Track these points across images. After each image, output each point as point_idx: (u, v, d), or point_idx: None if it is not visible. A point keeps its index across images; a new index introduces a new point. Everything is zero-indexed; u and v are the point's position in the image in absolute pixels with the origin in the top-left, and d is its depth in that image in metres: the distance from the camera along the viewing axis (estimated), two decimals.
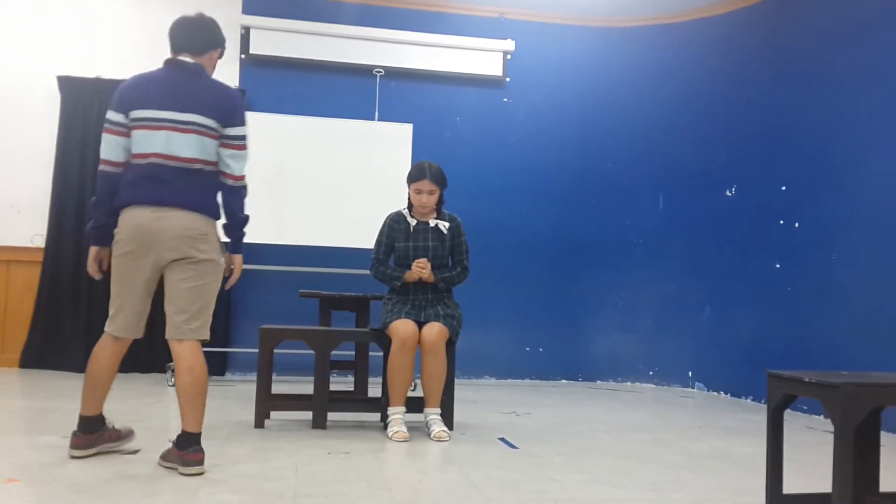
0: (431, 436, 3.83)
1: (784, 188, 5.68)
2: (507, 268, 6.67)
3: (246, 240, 6.01)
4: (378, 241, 4.23)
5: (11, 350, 6.07)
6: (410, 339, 3.90)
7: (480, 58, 6.69)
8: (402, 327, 3.92)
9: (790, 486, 2.57)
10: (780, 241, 5.66)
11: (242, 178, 3.08)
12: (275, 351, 4.07)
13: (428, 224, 4.17)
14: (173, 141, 2.95)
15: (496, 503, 2.68)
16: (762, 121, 5.95)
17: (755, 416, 5.07)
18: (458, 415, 4.38)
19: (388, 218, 4.24)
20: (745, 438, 4.20)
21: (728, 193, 6.26)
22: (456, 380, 4.19)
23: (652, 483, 3.08)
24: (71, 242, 6.10)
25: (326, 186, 5.93)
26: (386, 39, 6.51)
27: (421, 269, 4.03)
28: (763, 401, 5.38)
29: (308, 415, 4.06)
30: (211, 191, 3.05)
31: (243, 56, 6.43)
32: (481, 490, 2.85)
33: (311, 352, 4.05)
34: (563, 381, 6.75)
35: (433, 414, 3.96)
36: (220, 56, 3.26)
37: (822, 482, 3.03)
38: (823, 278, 5.23)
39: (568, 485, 2.98)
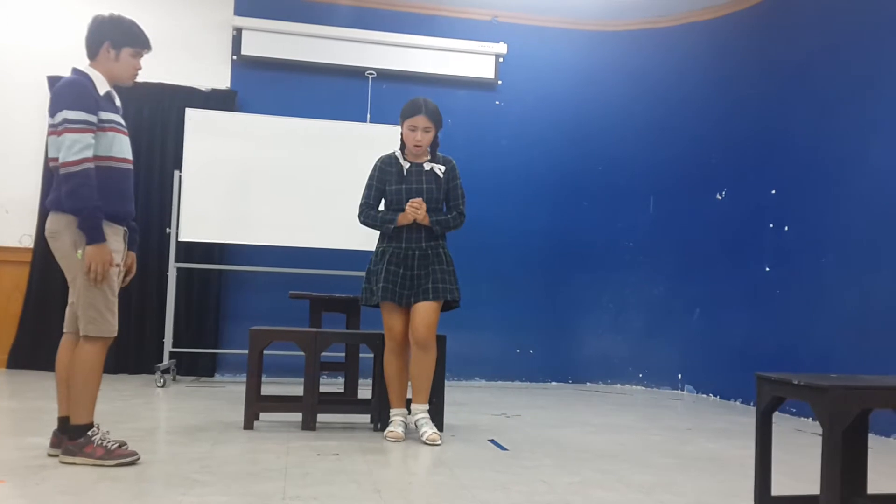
0: (424, 438, 3.69)
1: (774, 192, 5.70)
2: (499, 269, 6.67)
3: (238, 241, 6.07)
4: (368, 186, 3.96)
5: None
6: (404, 340, 3.84)
7: (473, 60, 6.70)
8: (394, 324, 3.80)
9: (779, 487, 2.58)
10: (770, 244, 5.69)
11: (67, 164, 2.92)
12: (265, 352, 4.05)
13: (422, 167, 3.90)
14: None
15: None
16: (752, 124, 5.97)
17: (744, 418, 5.09)
18: (448, 416, 4.37)
19: (378, 161, 3.97)
20: (735, 440, 4.22)
21: (718, 197, 6.28)
22: (446, 381, 4.18)
23: (642, 485, 3.08)
24: None
25: (317, 188, 5.91)
26: (378, 42, 6.52)
27: (416, 209, 3.76)
28: (752, 403, 5.40)
29: (298, 416, 4.05)
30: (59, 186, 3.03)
31: (235, 57, 6.42)
32: (471, 492, 2.85)
33: (302, 353, 4.04)
34: (553, 383, 6.76)
35: (421, 412, 3.82)
36: (117, 46, 3.13)
37: (811, 484, 3.05)
38: (813, 281, 5.25)
39: (558, 487, 2.98)
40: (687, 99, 6.61)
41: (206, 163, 5.78)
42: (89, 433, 3.00)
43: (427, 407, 3.86)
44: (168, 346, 5.76)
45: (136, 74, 3.23)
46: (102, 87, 3.11)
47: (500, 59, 6.75)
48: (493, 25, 6.80)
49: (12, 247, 6.11)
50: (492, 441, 3.91)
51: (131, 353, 6.10)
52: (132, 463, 2.99)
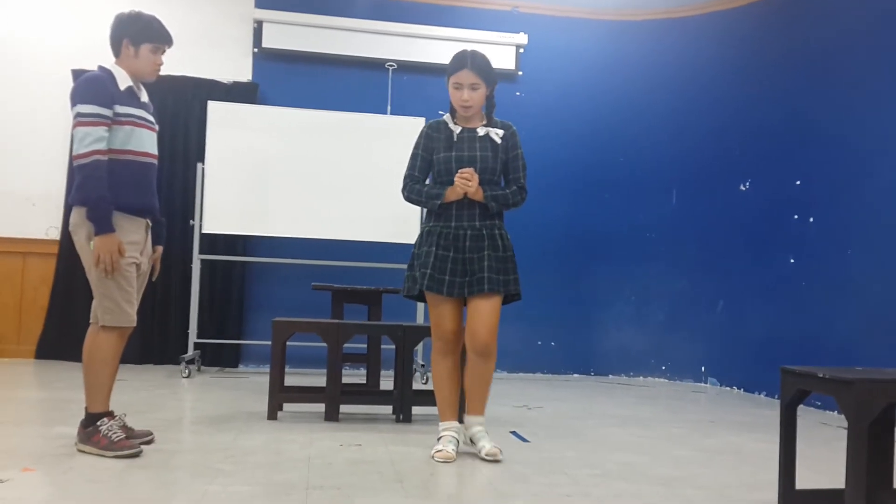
0: (482, 453, 3.20)
1: (798, 182, 5.64)
2: (519, 261, 6.59)
3: (260, 233, 6.11)
4: (413, 155, 3.38)
5: (28, 341, 6.13)
6: (456, 339, 3.31)
7: (493, 51, 6.64)
8: (443, 319, 3.28)
9: (803, 481, 2.56)
10: (794, 235, 5.63)
11: (77, 156, 2.99)
12: (287, 343, 4.08)
13: (475, 132, 3.34)
14: None
15: (507, 496, 2.68)
16: (777, 114, 5.91)
17: (768, 411, 5.05)
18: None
19: (425, 126, 3.42)
20: (758, 434, 4.19)
21: (742, 188, 6.22)
22: None
23: (664, 478, 3.07)
24: None
25: (339, 180, 5.94)
26: (398, 33, 6.52)
27: (466, 180, 3.19)
28: (776, 396, 5.36)
29: (320, 407, 4.08)
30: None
31: (256, 50, 6.45)
32: (492, 483, 2.86)
33: (324, 344, 4.06)
34: (575, 375, 6.75)
35: (477, 424, 3.32)
36: (136, 43, 3.16)
37: (835, 478, 3.02)
38: (838, 273, 5.19)
39: (579, 479, 2.98)
40: (709, 88, 6.54)
41: (228, 155, 5.83)
42: (98, 423, 3.05)
43: (483, 419, 3.37)
44: (192, 337, 5.82)
45: (158, 70, 3.25)
46: (124, 82, 3.14)
47: (521, 50, 6.72)
48: (514, 16, 6.77)
49: (39, 239, 6.20)
50: (513, 433, 3.92)
51: (157, 344, 6.18)
52: (132, 456, 2.98)
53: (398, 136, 5.96)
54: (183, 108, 6.33)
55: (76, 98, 3.04)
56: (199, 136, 6.11)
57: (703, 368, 6.56)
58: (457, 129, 3.33)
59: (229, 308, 6.30)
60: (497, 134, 3.33)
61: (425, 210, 3.39)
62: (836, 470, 3.24)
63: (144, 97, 3.26)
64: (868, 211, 4.99)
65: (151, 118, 3.27)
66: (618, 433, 4.06)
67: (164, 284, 6.19)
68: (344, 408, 4.14)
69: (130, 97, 3.16)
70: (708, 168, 6.53)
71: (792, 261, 5.65)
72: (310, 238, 5.99)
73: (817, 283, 5.38)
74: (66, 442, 3.20)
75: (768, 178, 5.96)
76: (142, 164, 3.16)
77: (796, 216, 5.63)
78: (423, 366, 5.86)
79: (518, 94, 6.76)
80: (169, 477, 2.74)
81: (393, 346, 4.20)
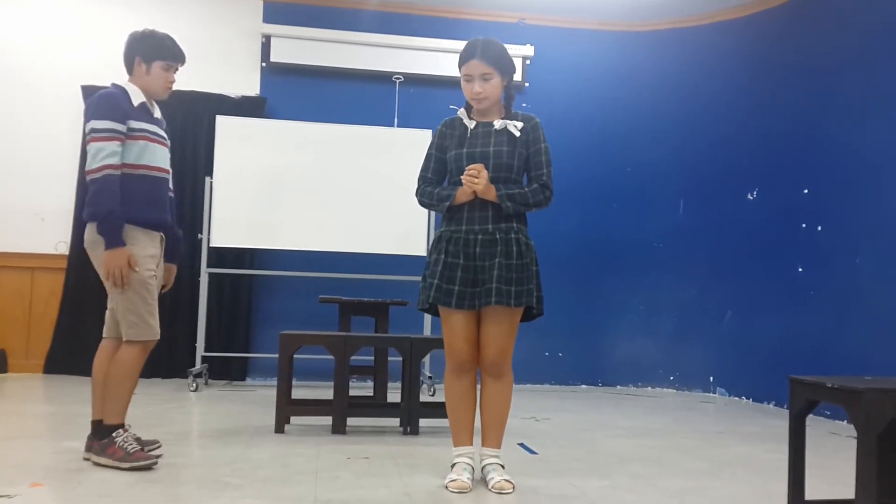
0: (491, 485, 2.91)
1: (807, 191, 5.62)
2: None
3: (268, 246, 6.13)
4: (427, 156, 3.15)
5: (36, 356, 6.15)
6: (470, 357, 3.01)
7: None
8: (455, 335, 2.98)
9: (812, 492, 2.54)
10: (802, 244, 5.61)
11: (90, 171, 3.02)
12: (294, 356, 4.09)
13: (491, 126, 3.05)
14: None
15: None
16: (784, 123, 5.90)
17: (777, 421, 5.02)
18: (478, 420, 4.37)
19: (440, 125, 3.16)
20: (767, 444, 4.16)
21: (750, 197, 6.21)
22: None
23: (673, 490, 3.06)
24: None
25: (346, 193, 5.96)
26: (405, 46, 6.54)
27: (472, 178, 2.89)
28: (785, 406, 5.33)
29: (328, 420, 4.08)
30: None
31: (264, 64, 6.48)
32: (500, 496, 2.84)
33: (331, 357, 4.06)
34: (583, 386, 6.72)
35: (492, 458, 3.01)
36: (148, 60, 3.21)
37: (845, 488, 3.00)
38: (847, 282, 5.17)
39: (588, 491, 2.97)
40: (717, 99, 6.54)
41: (236, 169, 5.85)
42: (114, 434, 3.06)
43: (500, 452, 3.04)
44: (200, 350, 5.84)
45: (170, 87, 3.30)
46: (137, 98, 3.18)
47: (528, 62, 6.74)
48: (520, 28, 6.80)
49: (48, 254, 6.23)
50: (521, 445, 3.91)
51: (164, 358, 6.19)
52: (148, 468, 3.00)
53: (405, 148, 5.97)
54: (191, 123, 6.36)
55: (90, 114, 3.10)
56: (208, 151, 6.14)
57: (711, 378, 6.53)
58: (471, 124, 3.06)
59: (237, 321, 6.31)
60: (515, 126, 3.01)
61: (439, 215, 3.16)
62: (845, 480, 3.22)
63: (157, 113, 3.30)
64: (877, 219, 4.97)
65: (164, 134, 3.30)
66: (626, 444, 4.04)
67: (172, 298, 6.20)
68: (351, 420, 4.14)
69: (144, 113, 3.20)
70: (716, 177, 6.52)
71: (800, 269, 5.62)
72: (317, 251, 6.00)
73: (826, 292, 5.36)
74: (74, 457, 3.21)
75: (776, 187, 5.94)
76: (155, 178, 3.19)
77: (804, 225, 5.61)
78: (430, 378, 5.86)
79: (525, 105, 6.77)
80: (178, 491, 2.74)
81: (400, 358, 4.19)
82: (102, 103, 3.08)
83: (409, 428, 4.06)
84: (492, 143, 2.99)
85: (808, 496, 2.35)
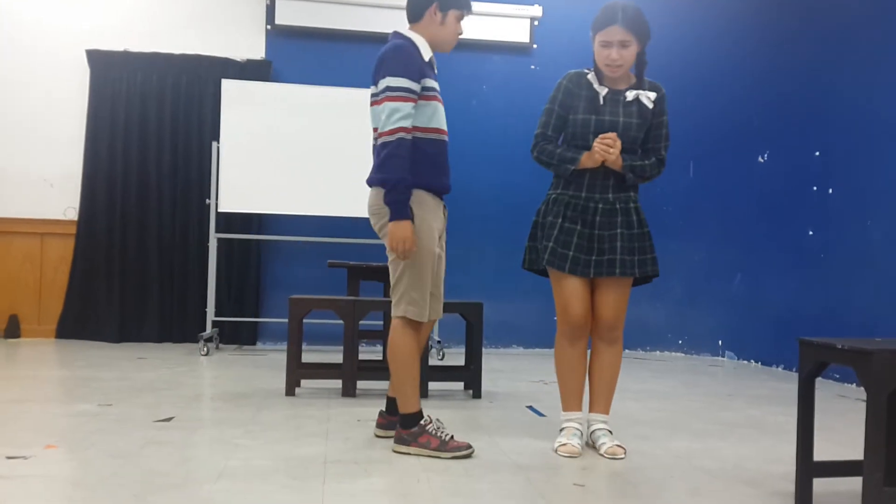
0: (602, 450, 2.92)
1: (818, 153, 5.57)
2: None
3: (276, 211, 6.11)
4: (548, 111, 3.01)
5: (48, 321, 6.20)
6: (584, 323, 2.99)
7: (507, 24, 6.61)
8: (571, 300, 2.95)
9: (821, 453, 2.55)
10: (813, 207, 5.57)
11: (383, 133, 2.77)
12: (304, 321, 4.10)
13: (622, 95, 2.96)
14: None
15: (525, 469, 2.69)
16: (795, 84, 5.82)
17: (786, 384, 5.03)
18: (487, 383, 4.41)
19: (564, 78, 3.03)
20: (776, 406, 4.18)
21: (760, 159, 6.15)
22: (484, 349, 4.20)
23: (682, 451, 3.07)
24: (103, 215, 6.19)
25: (354, 156, 5.91)
26: None
27: (607, 147, 2.83)
28: (794, 369, 5.34)
29: (338, 383, 4.10)
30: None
31: (269, 27, 6.42)
32: (509, 457, 2.87)
33: (340, 321, 4.08)
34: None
35: (601, 423, 3.03)
36: (444, 9, 2.90)
37: (854, 450, 3.01)
38: (858, 245, 5.14)
39: (592, 451, 2.98)
40: (726, 59, 6.45)
41: (243, 133, 5.83)
42: (422, 422, 2.87)
43: (608, 417, 3.07)
44: (210, 315, 5.86)
45: (457, 40, 3.01)
46: (426, 52, 2.91)
47: (536, 23, 6.65)
48: None
49: (57, 219, 6.24)
50: (530, 407, 3.93)
51: (175, 323, 6.24)
52: (468, 456, 2.82)
53: None
54: (197, 87, 6.32)
55: (384, 70, 2.81)
56: (214, 115, 6.11)
57: (720, 342, 6.53)
58: (602, 91, 2.94)
59: (246, 286, 6.33)
60: (649, 98, 2.96)
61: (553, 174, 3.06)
62: (854, 442, 3.23)
63: (436, 68, 3.02)
64: (888, 182, 4.92)
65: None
66: (635, 407, 4.06)
67: (182, 263, 6.24)
68: (361, 384, 4.17)
69: (430, 69, 2.94)
70: (725, 140, 6.46)
71: (811, 233, 5.59)
72: (325, 215, 5.99)
73: (836, 255, 5.33)
74: (87, 419, 3.24)
75: (787, 150, 5.89)
76: (444, 142, 2.96)
77: (815, 188, 5.56)
78: (439, 342, 5.88)
79: (533, 67, 6.70)
80: (190, 452, 2.78)
81: None
82: (400, 58, 2.80)
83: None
84: (621, 114, 2.93)
85: (817, 457, 2.36)
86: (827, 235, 5.44)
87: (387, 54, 2.83)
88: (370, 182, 2.91)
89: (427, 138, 2.87)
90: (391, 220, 2.78)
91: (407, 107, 2.77)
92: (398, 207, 2.76)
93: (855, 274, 5.13)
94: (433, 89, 2.89)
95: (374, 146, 2.87)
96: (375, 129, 2.87)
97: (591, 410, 3.07)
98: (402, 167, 2.74)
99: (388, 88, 2.78)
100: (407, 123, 2.76)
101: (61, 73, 6.23)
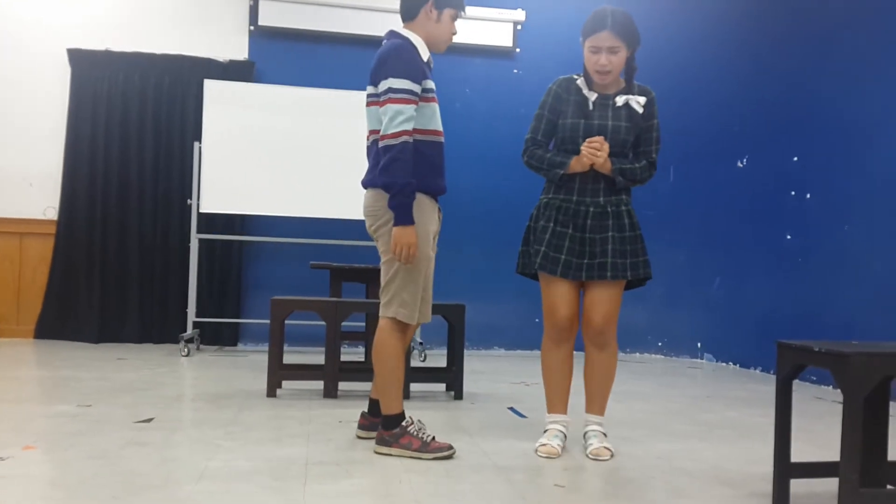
0: (588, 451, 2.95)
1: (796, 158, 5.63)
2: (518, 238, 6.64)
3: (258, 212, 6.08)
4: (538, 116, 3.07)
5: (27, 321, 6.14)
6: (570, 326, 3.02)
7: (490, 28, 6.63)
8: (557, 303, 2.98)
9: (799, 454, 2.58)
10: (792, 211, 5.63)
11: (386, 136, 2.73)
12: (286, 322, 4.10)
13: (611, 100, 3.00)
14: None
15: (506, 470, 2.71)
16: (775, 91, 5.89)
17: (764, 386, 5.08)
18: (468, 385, 4.42)
19: (553, 84, 3.09)
20: (754, 408, 4.22)
21: (740, 164, 6.22)
22: (465, 350, 4.21)
23: (661, 452, 3.10)
24: (83, 214, 6.14)
25: (337, 158, 5.91)
26: (396, 10, 6.39)
27: (596, 151, 2.86)
28: (772, 372, 5.39)
29: (319, 384, 4.10)
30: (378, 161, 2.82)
31: (252, 28, 6.40)
32: (490, 458, 2.88)
33: (322, 323, 4.08)
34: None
35: (595, 425, 3.04)
36: (440, 7, 2.89)
37: (831, 451, 3.05)
38: (836, 249, 5.20)
39: (577, 453, 3.00)
40: (708, 65, 6.51)
41: (225, 134, 5.80)
42: (404, 423, 2.86)
43: (602, 419, 3.07)
44: (191, 315, 5.84)
45: (451, 40, 2.99)
46: (424, 52, 2.89)
47: (519, 27, 6.68)
48: None
49: (37, 219, 6.19)
50: (511, 409, 3.95)
51: (156, 323, 6.20)
52: (449, 457, 2.82)
53: None
54: (179, 87, 6.30)
55: (387, 71, 2.76)
56: (196, 115, 6.08)
57: (699, 344, 6.59)
58: (591, 97, 2.99)
59: (228, 287, 6.31)
60: (639, 102, 3.00)
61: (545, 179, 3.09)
62: (831, 444, 3.28)
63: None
64: (866, 186, 4.99)
65: None
66: (615, 408, 4.08)
67: (163, 264, 6.20)
68: (342, 385, 4.17)
69: (429, 69, 2.90)
70: (706, 145, 6.51)
71: (789, 237, 5.65)
72: (308, 217, 5.98)
73: (815, 259, 5.39)
74: (66, 420, 3.22)
75: (766, 155, 5.95)
76: (441, 144, 2.93)
77: (794, 192, 5.63)
78: (420, 343, 5.88)
79: (516, 71, 6.73)
80: (170, 453, 2.76)
81: None
82: (402, 59, 2.76)
83: None
84: (610, 118, 2.96)
85: (794, 459, 2.39)
86: (805, 239, 5.50)
87: (388, 54, 2.80)
88: (367, 184, 2.90)
89: (426, 140, 2.86)
90: (396, 224, 2.75)
91: (410, 109, 2.75)
92: (403, 212, 2.74)
93: (833, 277, 5.20)
94: (432, 90, 2.89)
95: (370, 147, 2.86)
96: (373, 131, 2.86)
97: (585, 411, 3.11)
98: (407, 171, 2.73)
99: (391, 90, 2.74)
100: (410, 126, 2.75)
101: (42, 71, 6.18)
